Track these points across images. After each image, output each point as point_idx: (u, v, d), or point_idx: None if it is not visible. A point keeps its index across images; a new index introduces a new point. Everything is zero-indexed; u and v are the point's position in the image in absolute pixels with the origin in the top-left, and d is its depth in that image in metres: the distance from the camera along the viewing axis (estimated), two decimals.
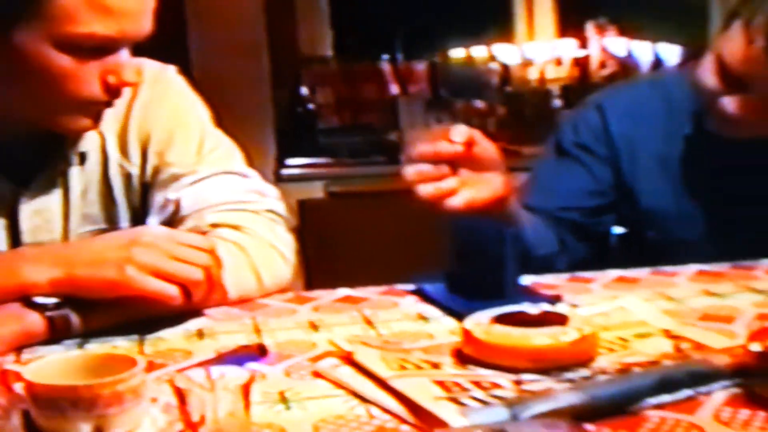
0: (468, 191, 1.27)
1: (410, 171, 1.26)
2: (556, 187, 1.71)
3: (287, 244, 1.42)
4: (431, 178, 1.26)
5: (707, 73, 1.51)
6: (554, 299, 1.26)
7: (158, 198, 1.40)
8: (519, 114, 4.16)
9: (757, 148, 1.58)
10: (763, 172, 1.61)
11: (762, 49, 1.39)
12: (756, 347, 0.91)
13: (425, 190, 1.26)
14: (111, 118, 1.36)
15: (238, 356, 1.05)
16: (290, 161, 3.56)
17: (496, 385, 0.93)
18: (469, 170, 1.29)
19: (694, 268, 1.50)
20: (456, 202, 1.26)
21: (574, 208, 1.68)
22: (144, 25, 1.24)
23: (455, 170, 1.27)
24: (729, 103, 1.48)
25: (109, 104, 1.28)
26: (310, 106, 3.96)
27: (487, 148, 1.32)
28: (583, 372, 0.96)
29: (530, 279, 1.40)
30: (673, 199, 1.67)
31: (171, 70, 1.47)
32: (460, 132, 1.27)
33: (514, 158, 3.24)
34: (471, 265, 1.27)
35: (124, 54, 1.25)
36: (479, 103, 4.19)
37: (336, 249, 2.35)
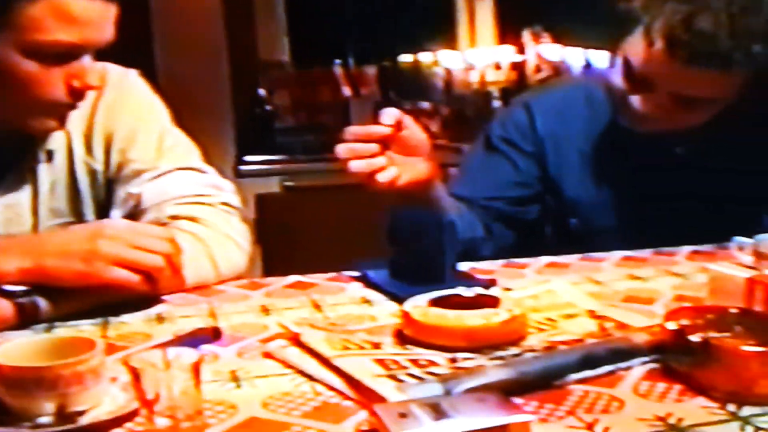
0: (395, 170, 1.29)
1: (343, 148, 1.29)
2: (483, 178, 1.72)
3: (242, 234, 1.42)
4: (362, 155, 1.28)
5: (616, 75, 1.52)
6: (488, 283, 1.26)
7: (121, 192, 1.39)
8: (461, 114, 4.17)
9: (667, 141, 1.59)
10: (673, 169, 1.62)
11: (660, 51, 1.41)
12: (672, 326, 0.91)
13: (356, 165, 1.28)
14: (77, 118, 1.35)
15: (194, 339, 1.03)
16: (249, 158, 3.54)
17: (432, 363, 0.93)
18: (398, 152, 1.32)
19: (619, 254, 1.51)
20: (384, 177, 1.29)
21: (499, 197, 1.69)
22: (106, 32, 1.23)
23: (385, 151, 1.30)
24: (636, 102, 1.50)
25: (73, 107, 1.28)
26: (268, 107, 3.94)
27: (414, 132, 1.35)
28: (513, 350, 0.96)
29: (467, 265, 1.40)
30: (593, 191, 1.68)
31: (133, 74, 1.47)
32: (389, 114, 1.29)
33: (456, 154, 3.24)
34: (411, 252, 1.26)
35: (88, 59, 1.24)
36: (425, 104, 4.19)
37: (291, 239, 2.34)
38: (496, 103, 4.14)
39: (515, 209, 1.70)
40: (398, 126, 1.32)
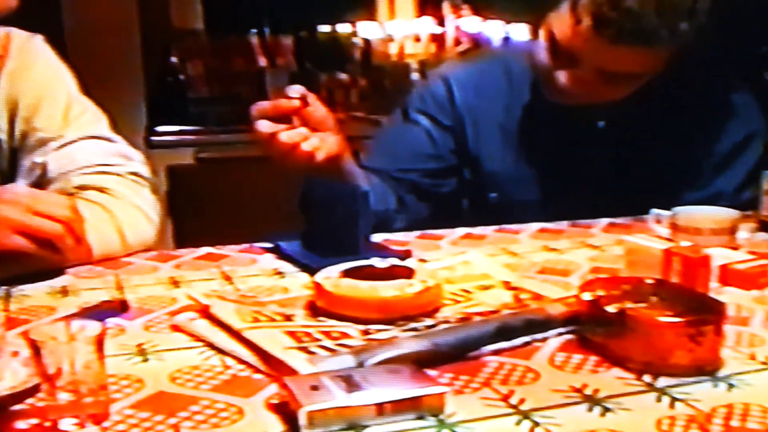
0: (316, 139, 1.32)
1: (266, 125, 1.31)
2: (399, 150, 1.72)
3: (151, 205, 1.39)
4: (280, 129, 1.31)
5: (540, 50, 1.53)
6: (403, 255, 1.25)
7: (26, 162, 1.36)
8: (380, 86, 4.16)
9: (588, 115, 1.60)
10: (593, 142, 1.64)
11: (587, 28, 1.41)
12: (588, 296, 0.91)
13: (287, 136, 1.30)
14: None
15: (100, 311, 1.01)
16: (160, 129, 3.49)
17: (345, 335, 0.92)
18: (307, 127, 1.33)
19: (536, 226, 1.52)
20: (309, 145, 1.31)
21: (413, 169, 1.69)
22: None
23: (294, 125, 1.32)
24: (560, 76, 1.50)
25: None
26: (181, 76, 3.88)
27: (318, 108, 1.37)
28: (428, 322, 0.95)
29: (381, 236, 1.40)
30: (512, 164, 1.69)
31: (38, 39, 1.43)
32: (295, 89, 1.32)
33: (374, 126, 3.23)
34: (324, 223, 1.26)
35: None
36: (342, 76, 4.17)
37: (203, 211, 2.31)
38: (415, 76, 4.14)
39: (430, 182, 1.70)
40: (304, 101, 1.33)
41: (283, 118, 1.32)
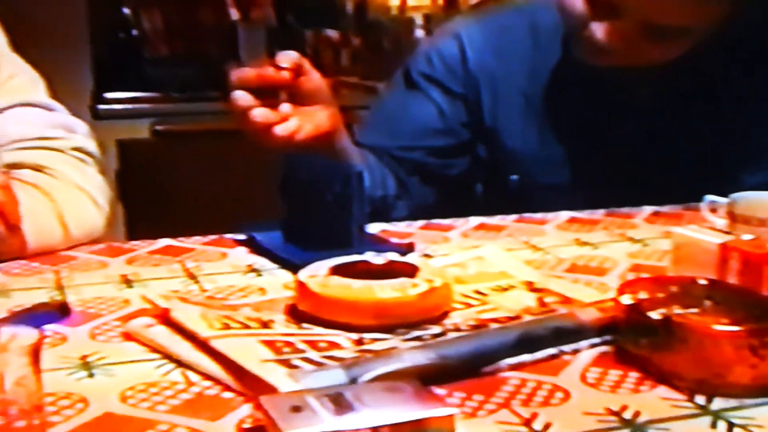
0: (296, 121, 1.34)
1: (243, 97, 1.32)
2: (400, 123, 1.73)
3: (99, 188, 1.40)
4: (256, 105, 1.32)
5: None
6: (405, 248, 1.26)
7: None
8: (377, 45, 4.17)
9: (629, 82, 1.60)
10: (635, 115, 1.64)
11: None
12: (627, 300, 0.91)
13: (261, 114, 1.32)
14: None
15: (35, 316, 1.01)
16: (110, 95, 3.50)
17: (334, 345, 0.92)
18: (295, 101, 1.37)
19: (564, 215, 1.53)
20: (283, 130, 1.33)
21: (417, 147, 1.70)
22: None
23: (280, 99, 1.35)
24: (598, 30, 1.50)
25: None
26: (135, 32, 3.89)
27: (313, 78, 1.39)
28: (434, 329, 0.95)
29: (378, 227, 1.40)
30: (537, 140, 1.70)
31: None
32: (287, 58, 1.33)
33: (369, 94, 3.24)
34: (310, 209, 1.26)
35: None
36: (332, 33, 4.17)
37: (161, 195, 2.32)
38: (419, 33, 4.15)
39: (437, 162, 1.71)
40: (296, 71, 1.34)
41: (268, 90, 1.33)
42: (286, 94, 1.36)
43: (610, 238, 1.39)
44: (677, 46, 1.52)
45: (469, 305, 1.04)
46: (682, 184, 1.55)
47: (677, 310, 0.87)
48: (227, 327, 0.94)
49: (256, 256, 1.28)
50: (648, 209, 1.56)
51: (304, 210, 1.28)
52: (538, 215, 1.53)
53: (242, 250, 1.31)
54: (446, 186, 1.75)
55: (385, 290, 0.98)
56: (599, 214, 1.55)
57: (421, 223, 1.48)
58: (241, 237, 1.35)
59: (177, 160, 2.47)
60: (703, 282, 0.96)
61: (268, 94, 1.34)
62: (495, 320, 0.98)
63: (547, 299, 1.05)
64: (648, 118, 1.64)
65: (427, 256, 1.25)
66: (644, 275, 1.15)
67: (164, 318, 0.97)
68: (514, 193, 1.73)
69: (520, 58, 1.72)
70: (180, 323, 0.95)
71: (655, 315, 0.87)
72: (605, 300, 1.00)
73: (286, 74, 1.33)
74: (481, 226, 1.47)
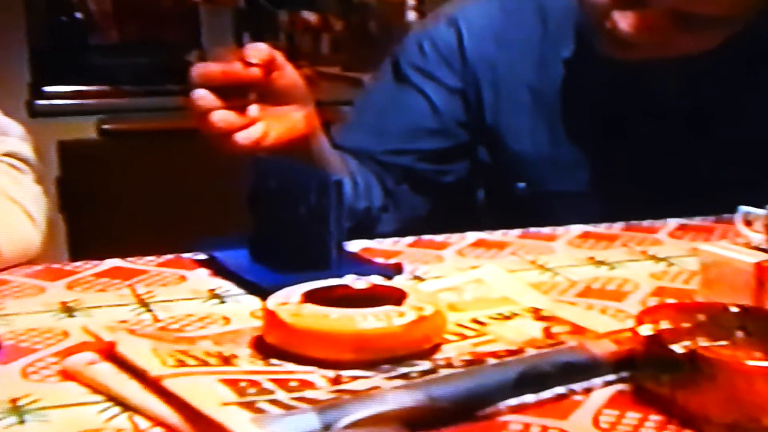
0: (261, 126, 1.34)
1: (204, 96, 1.33)
2: (386, 122, 1.74)
3: (35, 199, 1.41)
4: (217, 106, 1.32)
5: None
6: (391, 270, 1.26)
7: None
8: (362, 30, 4.18)
9: (656, 78, 1.61)
10: (660, 115, 1.64)
11: None
12: (648, 330, 0.91)
13: (222, 118, 1.33)
14: None
15: None
16: (50, 89, 3.50)
17: (307, 384, 0.92)
18: (266, 100, 1.38)
19: (577, 229, 1.53)
20: (245, 138, 1.33)
21: (408, 150, 1.71)
22: None
23: (247, 99, 1.35)
24: (620, 19, 1.50)
25: None
26: (79, 14, 3.88)
27: (288, 74, 1.40)
28: (423, 365, 0.96)
29: (360, 244, 1.41)
30: (549, 141, 1.70)
31: None
32: (256, 51, 1.32)
33: (353, 88, 3.24)
34: (281, 224, 1.27)
35: None
36: (310, 16, 4.18)
37: (109, 207, 2.32)
38: (411, 17, 4.15)
39: (430, 167, 1.72)
40: (267, 67, 1.34)
41: (234, 89, 1.33)
42: (255, 93, 1.36)
43: (629, 257, 1.39)
44: (710, 37, 1.52)
45: (465, 337, 1.04)
46: (714, 193, 1.55)
47: (705, 342, 0.88)
48: (183, 364, 0.94)
49: (219, 279, 1.28)
50: (674, 222, 1.57)
51: (275, 225, 1.28)
52: (547, 229, 1.53)
53: (203, 273, 1.31)
54: (441, 196, 1.75)
55: (368, 320, 0.98)
56: (617, 227, 1.55)
57: (410, 239, 1.48)
58: (202, 256, 1.35)
59: (128, 165, 2.46)
60: (734, 309, 0.96)
61: (233, 94, 1.33)
62: (494, 354, 0.98)
63: (556, 329, 1.06)
64: (675, 117, 1.65)
65: (417, 278, 1.26)
66: (669, 300, 1.15)
67: (109, 353, 0.97)
68: (520, 203, 1.74)
69: (526, 47, 1.72)
70: (128, 359, 0.95)
71: (678, 348, 0.87)
72: (622, 330, 1.00)
73: (255, 71, 1.33)
74: (480, 243, 1.47)
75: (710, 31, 1.51)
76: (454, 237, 1.49)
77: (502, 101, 1.73)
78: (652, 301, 1.18)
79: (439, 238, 1.49)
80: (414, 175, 1.71)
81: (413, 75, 1.75)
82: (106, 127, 3.21)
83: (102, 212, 2.28)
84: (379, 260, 1.34)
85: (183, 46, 3.70)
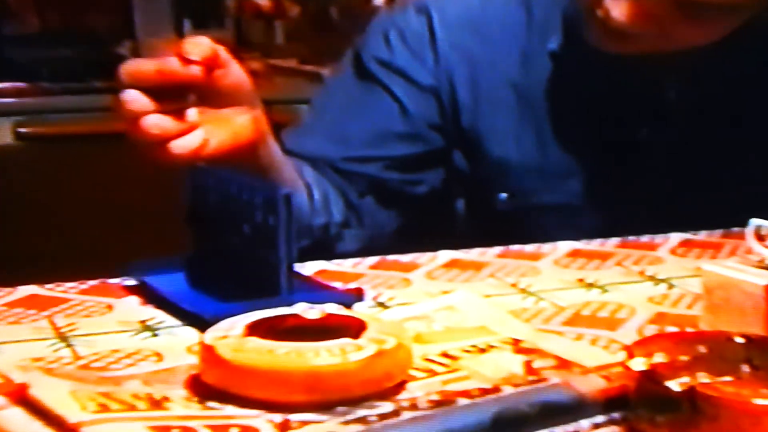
0: (201, 133, 1.32)
1: (135, 98, 1.31)
2: (347, 125, 1.73)
3: None
4: (150, 110, 1.30)
5: None
6: (350, 296, 1.26)
7: None
8: (322, 16, 4.18)
9: (656, 74, 1.62)
10: (659, 116, 1.65)
11: None
12: (639, 364, 0.92)
13: (154, 123, 1.31)
14: None
15: None
16: None
17: (251, 431, 0.93)
18: (207, 102, 1.36)
19: (565, 246, 1.54)
20: (182, 146, 1.31)
21: (372, 157, 1.70)
22: None
23: (185, 101, 1.33)
24: (615, 6, 1.51)
25: None
26: None
27: (233, 73, 1.39)
28: (384, 407, 0.96)
29: (316, 266, 1.41)
30: (535, 147, 1.71)
31: None
32: (197, 47, 1.31)
33: (311, 83, 3.25)
34: (223, 245, 1.27)
35: None
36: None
37: (26, 222, 2.31)
38: (378, 0, 4.16)
39: (399, 177, 1.72)
40: (210, 64, 1.33)
41: (171, 89, 1.32)
42: (194, 94, 1.35)
43: (625, 278, 1.40)
44: (715, 28, 1.53)
45: (434, 373, 1.04)
46: (722, 205, 1.56)
47: (706, 378, 0.88)
48: (106, 408, 0.94)
49: (151, 308, 1.28)
50: (676, 237, 1.58)
51: (216, 246, 1.28)
52: (531, 247, 1.54)
53: (132, 301, 1.31)
54: (412, 209, 1.75)
55: (321, 355, 0.98)
56: (612, 244, 1.56)
57: (373, 260, 1.49)
58: (132, 282, 1.35)
59: (48, 174, 2.45)
60: (740, 340, 0.97)
61: (169, 95, 1.32)
62: (466, 393, 0.98)
63: (538, 363, 1.06)
64: (678, 118, 1.66)
65: (380, 305, 1.26)
66: (669, 329, 1.16)
67: (21, 397, 0.97)
68: (502, 217, 1.74)
69: (508, 38, 1.73)
70: (42, 404, 0.95)
71: (676, 385, 0.88)
72: (613, 364, 1.01)
73: (195, 69, 1.30)
74: (453, 264, 1.47)
75: (714, 21, 1.52)
76: (423, 257, 1.50)
77: (481, 100, 1.73)
78: (651, 330, 1.19)
79: (406, 258, 1.49)
80: (380, 186, 1.71)
81: (378, 70, 1.74)
82: (22, 130, 3.21)
83: (17, 229, 2.27)
84: (337, 285, 1.34)
85: (113, 37, 3.68)
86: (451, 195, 1.83)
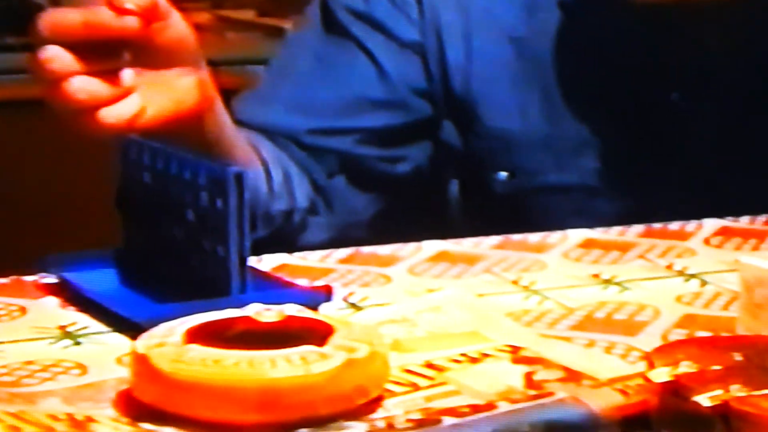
0: (137, 99, 1.32)
1: (44, 56, 1.29)
2: (313, 90, 1.73)
3: None
4: (76, 71, 1.28)
5: None
6: (317, 294, 1.27)
7: None
8: None
9: (686, 27, 1.62)
10: (698, 70, 1.66)
11: None
12: (662, 375, 0.93)
13: (80, 86, 1.29)
14: None
15: None
16: None
17: None
18: (144, 62, 1.35)
19: (577, 235, 1.55)
20: (114, 115, 1.30)
21: (344, 129, 1.70)
22: None
23: (119, 60, 1.32)
24: None
25: None
26: None
27: (175, 25, 1.37)
28: (356, 428, 0.97)
29: (276, 259, 1.42)
30: (542, 116, 1.71)
31: None
32: None
33: (271, 39, 3.25)
34: (162, 234, 1.27)
35: None
36: None
37: None
38: None
39: (377, 153, 1.72)
40: (148, 15, 1.32)
41: (102, 44, 1.32)
42: (129, 52, 1.34)
43: (649, 273, 1.41)
44: None
45: (416, 387, 1.05)
46: (765, 184, 1.57)
47: (740, 391, 0.89)
48: (17, 431, 0.95)
49: (74, 310, 1.28)
50: (712, 224, 1.58)
51: (153, 236, 1.29)
52: (536, 236, 1.54)
53: (51, 302, 1.31)
54: (392, 192, 1.75)
55: (278, 365, 0.99)
56: (634, 233, 1.56)
57: (345, 252, 1.49)
58: (51, 279, 1.35)
59: None
60: None
61: (99, 53, 1.31)
62: (454, 411, 0.99)
63: (541, 375, 1.07)
64: (718, 82, 1.66)
65: (352, 306, 1.27)
66: (700, 333, 1.16)
67: None
68: (501, 200, 1.74)
69: None
70: None
71: (705, 400, 0.89)
72: (631, 376, 1.01)
73: (131, 21, 1.29)
74: (442, 256, 1.47)
75: None
76: (405, 249, 1.50)
77: (475, 59, 1.73)
78: (677, 335, 1.19)
79: (384, 250, 1.50)
80: (353, 164, 1.71)
81: (351, 23, 1.74)
82: None
83: None
84: (301, 282, 1.34)
85: None
86: (439, 174, 1.83)
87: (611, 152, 1.70)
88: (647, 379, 0.94)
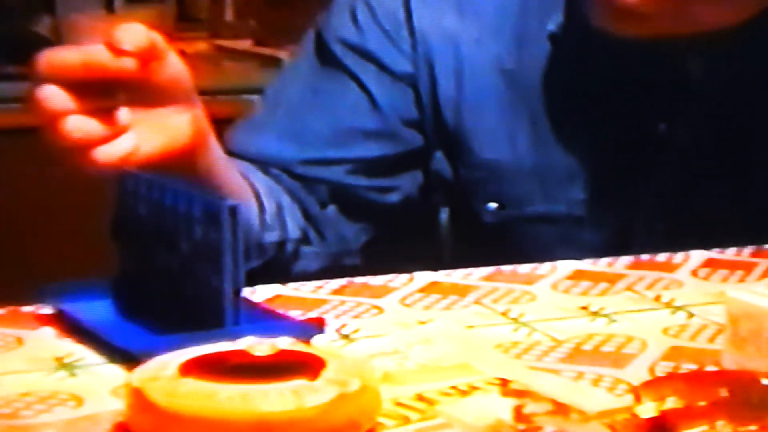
0: (132, 138, 1.32)
1: (42, 95, 1.29)
2: (306, 121, 1.73)
3: None
4: (72, 110, 1.29)
5: None
6: (309, 327, 1.26)
7: None
8: None
9: (672, 61, 1.62)
10: (683, 102, 1.66)
11: None
12: (648, 411, 0.93)
13: (75, 126, 1.30)
14: None
15: None
16: None
17: None
18: (140, 101, 1.35)
19: (566, 267, 1.54)
20: (108, 154, 1.31)
21: (336, 160, 1.70)
22: None
23: (115, 99, 1.32)
24: None
25: None
26: None
27: (171, 65, 1.37)
28: None
29: (268, 290, 1.41)
30: (531, 147, 1.71)
31: None
32: (131, 35, 1.29)
33: (266, 69, 3.25)
34: (156, 266, 1.27)
35: None
36: None
37: None
38: None
39: (368, 183, 1.72)
40: (145, 56, 1.31)
41: (100, 84, 1.31)
42: (125, 91, 1.34)
43: (636, 305, 1.41)
44: (744, 6, 1.54)
45: (406, 420, 1.05)
46: (753, 216, 1.57)
47: (726, 427, 0.89)
48: None
49: (70, 341, 1.27)
50: (699, 256, 1.58)
51: (148, 266, 1.28)
52: (526, 267, 1.54)
53: (47, 333, 1.31)
54: (383, 222, 1.75)
55: (271, 399, 0.99)
56: (622, 264, 1.56)
57: (337, 283, 1.48)
58: (47, 310, 1.35)
59: None
60: (766, 381, 0.98)
61: (96, 92, 1.30)
62: None
63: (530, 408, 1.07)
64: (702, 113, 1.66)
65: (344, 338, 1.26)
66: (687, 367, 1.16)
67: None
68: (490, 231, 1.74)
69: (499, 17, 1.73)
70: None
71: None
72: (618, 409, 1.01)
73: (128, 62, 1.29)
74: (432, 287, 1.47)
75: (737, 1, 1.53)
76: (397, 280, 1.49)
77: (466, 91, 1.73)
78: (664, 368, 1.18)
79: (376, 281, 1.49)
80: (345, 194, 1.71)
81: (344, 55, 1.74)
82: None
83: None
84: (294, 314, 1.34)
85: (28, 12, 3.68)
86: (429, 205, 1.83)
87: (598, 183, 1.70)
88: (634, 415, 0.94)
